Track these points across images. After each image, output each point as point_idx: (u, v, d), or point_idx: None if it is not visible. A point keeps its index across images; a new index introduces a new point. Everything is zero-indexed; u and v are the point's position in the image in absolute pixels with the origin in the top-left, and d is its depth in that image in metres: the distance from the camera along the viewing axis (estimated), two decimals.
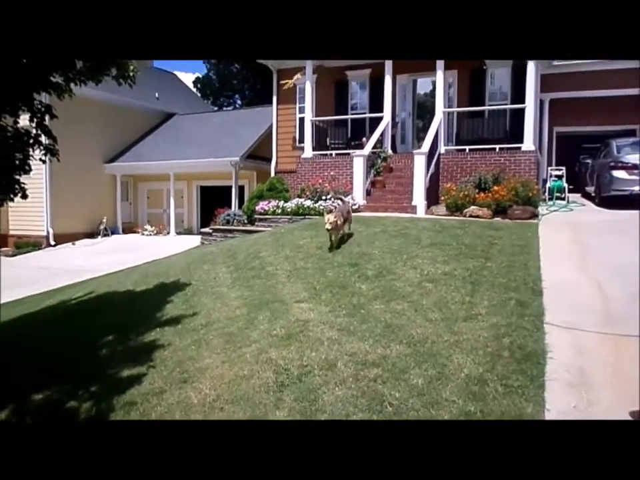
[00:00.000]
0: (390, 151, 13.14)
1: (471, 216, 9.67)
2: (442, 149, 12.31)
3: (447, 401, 3.26)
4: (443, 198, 10.85)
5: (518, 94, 12.28)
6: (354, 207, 11.10)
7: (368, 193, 12.01)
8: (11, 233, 19.68)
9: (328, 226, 7.13)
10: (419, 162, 10.85)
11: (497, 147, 11.92)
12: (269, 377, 3.84)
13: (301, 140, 14.63)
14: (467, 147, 12.31)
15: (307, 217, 11.00)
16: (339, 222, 7.28)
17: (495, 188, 10.27)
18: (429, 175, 11.24)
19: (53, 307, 8.24)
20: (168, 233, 19.64)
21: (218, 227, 12.82)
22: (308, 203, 11.52)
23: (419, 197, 10.83)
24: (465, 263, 6.12)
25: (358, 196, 11.50)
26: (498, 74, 13.69)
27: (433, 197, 11.29)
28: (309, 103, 13.77)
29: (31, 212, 18.76)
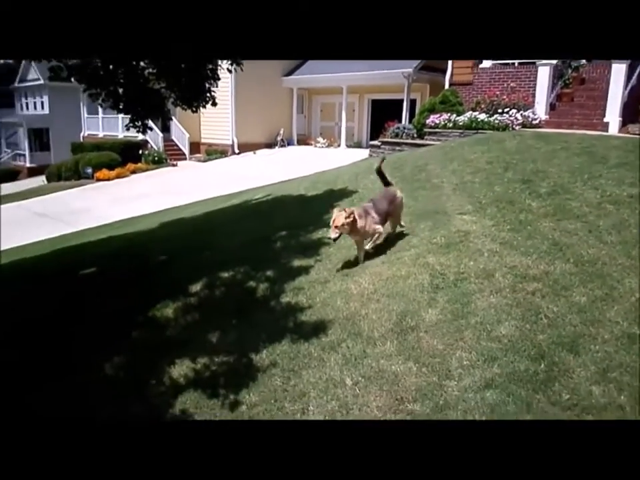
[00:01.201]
0: (583, 59, 11.63)
1: None
2: None
3: (609, 322, 3.11)
4: None
5: None
6: (534, 122, 10.27)
7: (552, 107, 10.95)
8: (203, 141, 22.02)
9: (332, 234, 4.29)
10: (618, 71, 9.48)
11: None
12: (424, 279, 3.99)
13: None
14: None
15: (479, 131, 10.47)
16: (360, 224, 4.37)
17: None
18: (630, 87, 9.81)
19: (237, 205, 9.29)
20: (339, 146, 20.22)
21: (387, 139, 12.86)
22: (482, 116, 10.90)
23: (613, 113, 9.59)
24: None
25: (540, 110, 10.57)
26: None
27: (630, 114, 9.88)
28: None
29: (219, 122, 20.68)
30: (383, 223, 4.71)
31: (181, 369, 3.48)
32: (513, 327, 3.21)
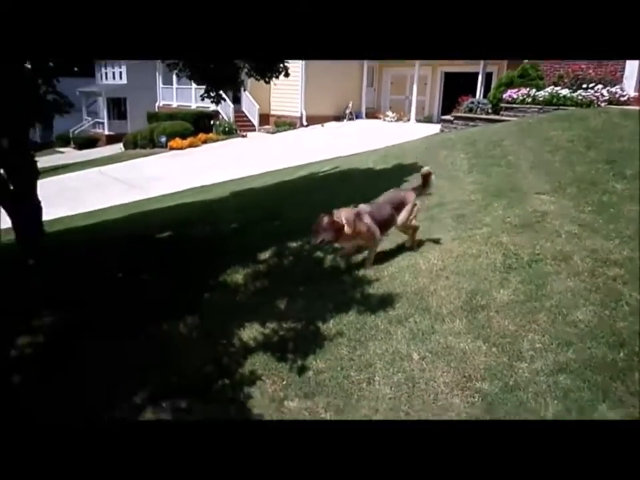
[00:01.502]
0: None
1: None
2: None
3: None
4: None
5: None
6: (622, 99, 9.61)
7: None
8: (272, 113, 22.21)
9: (313, 240, 3.86)
10: None
11: None
12: (497, 259, 3.89)
13: None
14: None
15: (560, 107, 9.92)
16: (348, 230, 3.79)
17: None
18: None
19: (305, 177, 9.36)
20: (408, 120, 19.82)
21: (460, 114, 12.46)
22: (565, 92, 10.31)
23: None
24: None
25: (629, 86, 9.87)
26: None
27: None
28: None
29: (288, 94, 20.75)
30: (381, 232, 4.06)
31: (250, 332, 3.60)
32: (591, 313, 3.09)
